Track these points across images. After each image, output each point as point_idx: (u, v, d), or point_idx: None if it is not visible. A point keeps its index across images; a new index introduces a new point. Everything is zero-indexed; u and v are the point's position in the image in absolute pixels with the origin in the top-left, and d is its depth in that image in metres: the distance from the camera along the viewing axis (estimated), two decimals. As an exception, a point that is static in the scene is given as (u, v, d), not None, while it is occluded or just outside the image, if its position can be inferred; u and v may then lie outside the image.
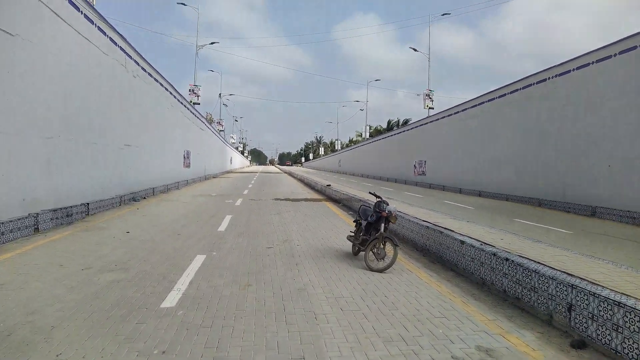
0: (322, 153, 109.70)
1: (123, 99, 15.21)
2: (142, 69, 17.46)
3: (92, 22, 12.34)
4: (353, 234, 7.31)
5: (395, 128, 67.21)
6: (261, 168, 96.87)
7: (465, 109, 25.94)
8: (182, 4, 33.80)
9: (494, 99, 22.58)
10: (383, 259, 6.27)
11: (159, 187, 19.26)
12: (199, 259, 6.74)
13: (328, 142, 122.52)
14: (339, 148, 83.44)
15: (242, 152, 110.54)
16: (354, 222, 7.62)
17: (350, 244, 7.46)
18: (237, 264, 6.49)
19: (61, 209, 9.68)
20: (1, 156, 8.08)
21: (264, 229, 9.93)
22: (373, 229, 6.69)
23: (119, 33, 14.62)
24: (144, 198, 16.40)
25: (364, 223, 6.92)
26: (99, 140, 13.01)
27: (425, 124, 32.11)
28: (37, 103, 9.25)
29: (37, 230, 8.58)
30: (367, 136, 58.10)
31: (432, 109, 33.52)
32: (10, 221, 7.74)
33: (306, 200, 17.47)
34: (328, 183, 22.32)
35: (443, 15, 34.48)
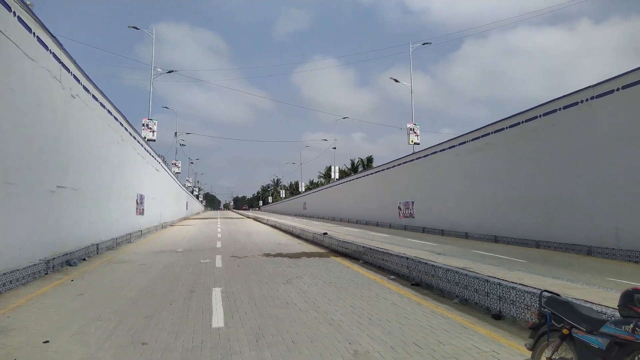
0: (283, 196, 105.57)
1: (56, 124, 10.94)
2: (84, 88, 13.27)
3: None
4: (549, 351, 3.47)
5: (360, 169, 64.53)
6: (219, 213, 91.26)
7: (464, 142, 23.25)
8: (134, 27, 29.66)
9: (502, 129, 20.00)
10: None
11: (106, 241, 14.59)
12: None
13: (287, 184, 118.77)
14: (303, 190, 79.71)
15: (197, 197, 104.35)
16: (530, 327, 3.75)
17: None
18: None
19: None
20: None
21: (289, 318, 5.84)
22: (625, 354, 2.93)
23: (51, 33, 10.57)
24: (84, 259, 11.78)
25: (595, 341, 3.06)
26: (19, 179, 8.67)
27: (412, 160, 29.16)
28: None
29: None
30: (337, 176, 54.83)
31: (418, 144, 30.67)
32: None
33: (307, 255, 13.36)
34: (324, 231, 18.33)
35: (424, 44, 32.29)
